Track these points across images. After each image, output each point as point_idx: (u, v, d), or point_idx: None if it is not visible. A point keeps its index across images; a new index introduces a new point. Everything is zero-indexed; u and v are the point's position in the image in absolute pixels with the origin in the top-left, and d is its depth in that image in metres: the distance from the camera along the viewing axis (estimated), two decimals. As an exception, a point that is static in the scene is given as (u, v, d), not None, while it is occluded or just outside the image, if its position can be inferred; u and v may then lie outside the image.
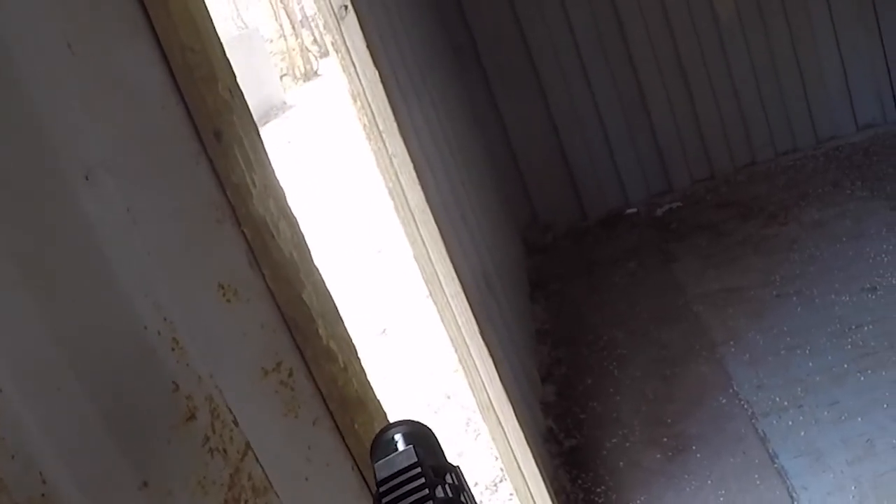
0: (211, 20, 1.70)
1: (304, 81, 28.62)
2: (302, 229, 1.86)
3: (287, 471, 1.69)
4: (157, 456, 1.32)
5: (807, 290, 6.68)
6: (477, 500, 1.01)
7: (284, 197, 1.81)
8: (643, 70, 9.02)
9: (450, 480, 0.95)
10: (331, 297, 1.92)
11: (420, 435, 1.11)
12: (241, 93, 1.77)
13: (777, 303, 6.64)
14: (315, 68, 29.25)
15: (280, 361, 1.76)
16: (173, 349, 1.38)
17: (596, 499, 5.25)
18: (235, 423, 1.50)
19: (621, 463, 5.46)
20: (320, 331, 1.83)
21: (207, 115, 1.65)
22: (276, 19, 29.19)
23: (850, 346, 5.82)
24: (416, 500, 0.90)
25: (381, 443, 1.12)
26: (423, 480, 0.92)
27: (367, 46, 3.77)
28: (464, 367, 4.20)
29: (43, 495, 1.05)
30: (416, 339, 7.91)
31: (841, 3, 8.86)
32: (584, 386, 6.39)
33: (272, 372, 1.74)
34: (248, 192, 1.70)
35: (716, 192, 9.08)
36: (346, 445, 1.91)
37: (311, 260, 1.87)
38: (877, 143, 9.02)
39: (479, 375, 4.28)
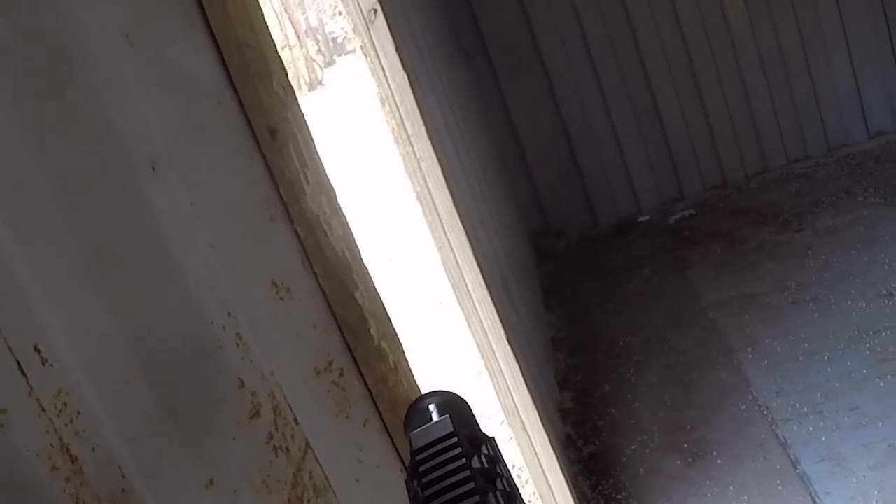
0: (264, 17, 1.69)
1: (309, 90, 28.65)
2: (352, 228, 1.84)
3: (341, 472, 1.66)
4: (222, 453, 1.30)
5: (823, 296, 6.66)
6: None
7: (336, 195, 1.79)
8: (655, 77, 9.01)
9: (485, 451, 0.93)
10: (381, 297, 1.90)
11: (455, 405, 1.09)
12: (294, 90, 1.75)
13: (793, 309, 6.62)
14: (320, 78, 29.28)
15: (331, 361, 1.74)
16: (237, 345, 1.36)
17: (617, 505, 5.23)
18: (296, 421, 1.48)
19: (641, 469, 5.44)
20: (372, 331, 1.81)
21: (262, 111, 1.63)
22: (281, 29, 29.25)
23: (868, 352, 5.80)
24: (452, 470, 0.87)
25: (415, 412, 1.10)
26: (459, 450, 0.90)
27: (397, 49, 3.76)
28: (489, 372, 4.18)
29: (123, 490, 1.03)
30: (427, 349, 7.87)
31: (852, 11, 8.85)
32: (602, 393, 6.37)
33: (324, 372, 1.72)
34: (301, 190, 1.68)
35: (728, 199, 9.06)
36: (395, 447, 1.88)
37: (362, 260, 1.85)
38: (888, 151, 9.01)
39: (505, 380, 4.26)
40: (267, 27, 1.68)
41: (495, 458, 0.93)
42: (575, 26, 8.83)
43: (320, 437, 1.59)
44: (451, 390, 1.15)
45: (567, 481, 4.67)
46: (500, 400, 4.20)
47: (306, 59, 29.25)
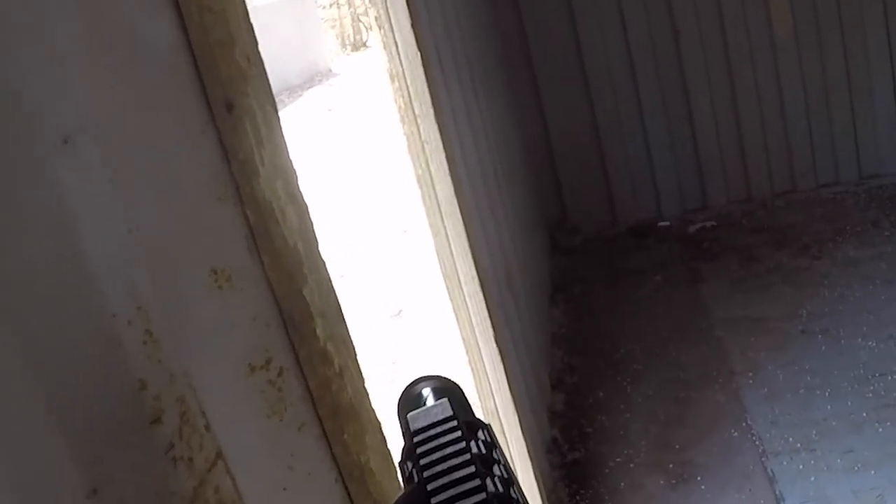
0: (235, -23, 1.55)
1: (353, 51, 28.52)
2: (311, 218, 1.70)
3: (263, 480, 1.55)
4: (111, 461, 1.17)
5: (833, 329, 6.52)
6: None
7: (296, 181, 1.65)
8: (692, 81, 8.87)
9: (482, 437, 0.92)
10: (334, 294, 1.76)
11: (451, 390, 1.09)
12: (262, 62, 1.61)
13: (802, 339, 6.48)
14: (365, 39, 29.14)
15: (270, 358, 1.61)
16: (145, 342, 1.22)
17: (593, 517, 5.12)
18: (207, 427, 1.34)
19: (623, 483, 5.32)
20: (318, 330, 1.68)
21: (220, 82, 1.49)
22: (333, -15, 29.10)
23: (871, 395, 5.66)
24: (452, 453, 0.87)
25: (410, 396, 1.10)
26: (459, 433, 0.90)
27: (412, 25, 3.62)
28: (472, 370, 4.05)
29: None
30: (432, 323, 7.75)
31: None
32: (595, 398, 6.25)
33: (260, 369, 1.59)
34: (255, 171, 1.54)
35: (751, 216, 8.91)
36: (333, 455, 1.76)
37: (318, 253, 1.72)
38: (922, 187, 8.84)
39: (488, 381, 4.15)
40: (238, -10, 1.54)
41: (492, 444, 0.93)
42: (617, 19, 8.69)
43: (242, 442, 1.47)
44: (446, 375, 1.16)
45: (541, 490, 4.55)
46: (480, 400, 4.07)
47: (353, 19, 29.07)
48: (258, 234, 1.58)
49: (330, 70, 25.66)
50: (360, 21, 29.46)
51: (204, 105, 1.49)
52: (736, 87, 8.89)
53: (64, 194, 1.11)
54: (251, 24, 1.57)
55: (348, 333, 1.81)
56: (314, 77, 24.17)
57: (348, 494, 1.81)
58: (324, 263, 1.74)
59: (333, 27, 28.76)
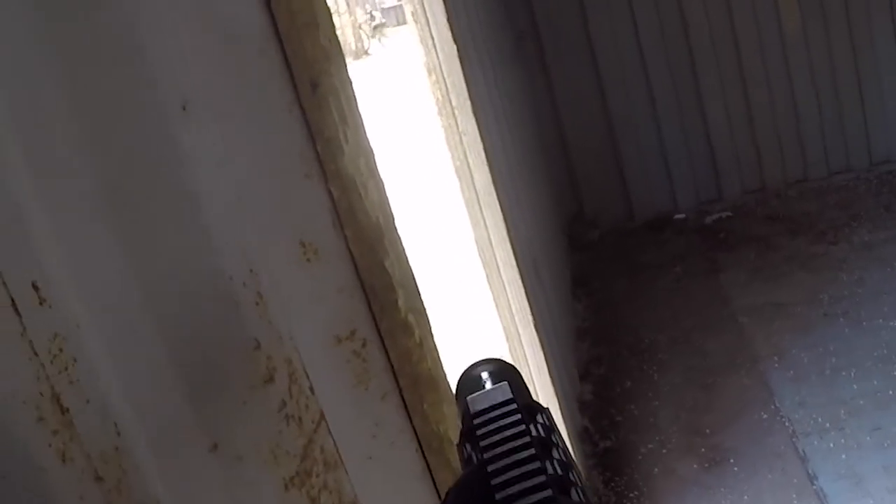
0: (315, -36, 1.61)
1: (354, 59, 28.56)
2: (388, 194, 1.76)
3: (354, 447, 1.60)
4: (230, 417, 1.23)
5: (854, 311, 6.55)
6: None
7: (374, 157, 1.71)
8: (703, 74, 8.90)
9: (541, 420, 0.91)
10: (412, 269, 1.82)
11: (510, 373, 1.06)
12: (340, 45, 1.67)
13: (824, 322, 6.51)
14: (366, 47, 29.18)
15: (354, 330, 1.66)
16: (257, 303, 1.28)
17: (628, 504, 5.15)
18: (312, 390, 1.40)
19: (656, 469, 5.36)
20: (399, 302, 1.73)
21: (306, 63, 1.55)
22: (332, -6, 29.11)
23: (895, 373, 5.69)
24: (512, 435, 0.85)
25: (469, 379, 1.07)
26: (518, 416, 0.88)
27: (448, 20, 3.67)
28: (513, 358, 4.09)
29: (116, 449, 0.96)
30: (461, 312, 7.76)
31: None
32: (623, 388, 6.28)
33: (345, 340, 1.64)
34: (339, 149, 1.60)
35: (766, 205, 8.94)
36: (413, 426, 1.81)
37: (396, 227, 1.77)
38: (933, 170, 8.88)
39: (528, 366, 4.18)
40: (317, -25, 1.60)
41: (551, 427, 0.92)
42: (627, 14, 8.72)
43: (336, 409, 1.52)
44: (504, 359, 1.13)
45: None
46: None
47: (354, 28, 29.12)
48: (342, 210, 1.63)
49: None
50: (361, 29, 29.54)
51: (290, 85, 1.55)
52: (746, 79, 8.92)
53: (184, 159, 1.17)
54: (330, 9, 1.63)
55: (425, 307, 1.86)
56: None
57: (427, 466, 1.85)
58: (401, 238, 1.80)
59: (335, 36, 28.76)
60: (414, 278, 1.82)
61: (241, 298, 1.25)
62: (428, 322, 1.85)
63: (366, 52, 28.99)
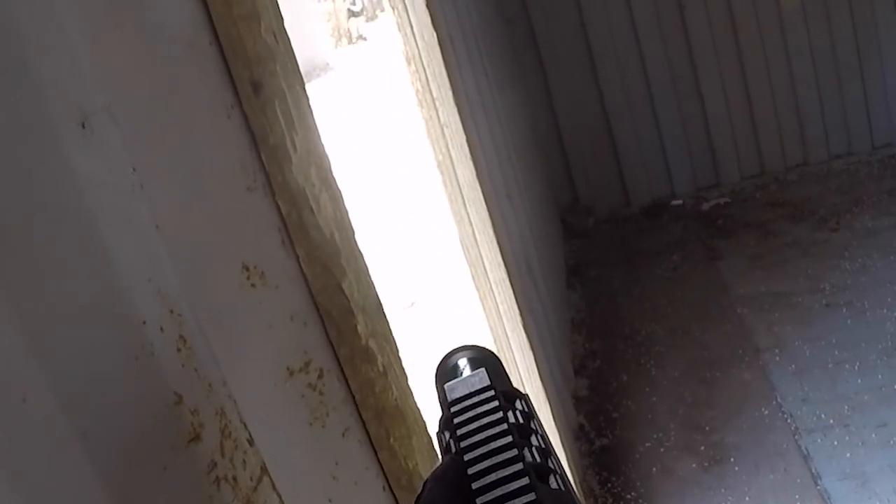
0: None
1: (349, 44, 28.37)
2: (347, 206, 1.57)
3: (308, 492, 1.44)
4: (148, 487, 1.04)
5: (857, 301, 6.39)
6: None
7: (329, 166, 1.52)
8: (700, 58, 8.75)
9: (520, 407, 0.92)
10: (374, 288, 1.63)
11: (488, 360, 1.07)
12: (288, 40, 1.48)
13: (826, 312, 6.36)
14: (360, 32, 29.00)
15: (309, 360, 1.49)
16: (179, 350, 1.09)
17: (625, 505, 5.00)
18: (251, 441, 1.22)
19: (654, 469, 5.20)
20: (359, 327, 1.55)
21: (246, 60, 1.36)
22: (327, -21, 28.93)
23: (901, 366, 5.53)
24: (489, 423, 0.86)
25: (447, 366, 1.10)
26: (496, 403, 0.89)
27: (427, 5, 3.49)
28: (502, 358, 3.93)
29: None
30: (445, 313, 7.64)
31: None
32: (619, 382, 6.13)
33: (299, 372, 1.47)
34: (286, 157, 1.41)
35: (765, 191, 8.80)
36: (379, 462, 1.64)
37: (356, 243, 1.59)
38: (936, 154, 8.73)
39: (517, 369, 4.03)
40: (260, -39, 1.41)
41: (530, 414, 0.92)
42: (623, -1, 8.57)
43: (285, 455, 1.35)
44: (483, 345, 1.13)
45: (575, 478, 4.43)
46: (509, 390, 3.96)
47: (348, 12, 28.91)
48: (291, 226, 1.45)
49: (328, 64, 25.51)
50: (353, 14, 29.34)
51: (229, 86, 1.36)
52: (744, 61, 8.77)
53: (84, 185, 0.98)
54: (277, 0, 1.45)
55: (390, 329, 1.68)
56: (312, 72, 24.03)
57: (397, 503, 1.69)
58: (362, 255, 1.61)
59: (329, 20, 28.60)
60: (377, 299, 1.64)
61: (156, 347, 1.06)
62: (394, 347, 1.67)
63: (360, 37, 28.79)
